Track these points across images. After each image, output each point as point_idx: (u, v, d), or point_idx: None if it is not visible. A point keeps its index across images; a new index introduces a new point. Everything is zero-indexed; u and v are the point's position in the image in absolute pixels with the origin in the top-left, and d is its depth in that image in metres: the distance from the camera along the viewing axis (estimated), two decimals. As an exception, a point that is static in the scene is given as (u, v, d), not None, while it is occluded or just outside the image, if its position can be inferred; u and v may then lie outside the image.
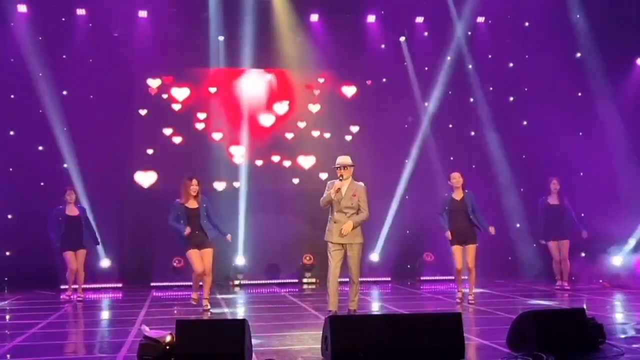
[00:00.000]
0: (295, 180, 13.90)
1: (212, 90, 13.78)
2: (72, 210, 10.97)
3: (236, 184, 13.64)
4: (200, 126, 13.71)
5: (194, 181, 9.61)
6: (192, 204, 9.57)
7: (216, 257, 12.99)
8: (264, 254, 13.53)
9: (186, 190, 9.58)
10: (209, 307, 9.57)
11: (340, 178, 8.38)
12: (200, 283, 9.74)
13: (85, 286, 12.33)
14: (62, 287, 11.76)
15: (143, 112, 13.46)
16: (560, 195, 11.67)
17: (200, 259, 9.51)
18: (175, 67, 13.55)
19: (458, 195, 9.91)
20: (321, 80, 14.04)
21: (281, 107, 14.03)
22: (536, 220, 12.06)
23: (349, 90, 14.09)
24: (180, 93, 13.66)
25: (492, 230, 9.87)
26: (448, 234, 9.87)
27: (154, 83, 13.50)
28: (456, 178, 9.94)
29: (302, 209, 13.48)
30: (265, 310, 9.83)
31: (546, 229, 11.67)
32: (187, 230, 9.41)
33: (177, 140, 13.59)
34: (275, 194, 13.74)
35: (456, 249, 9.86)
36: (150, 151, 13.47)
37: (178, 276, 12.77)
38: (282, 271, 13.70)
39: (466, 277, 10.11)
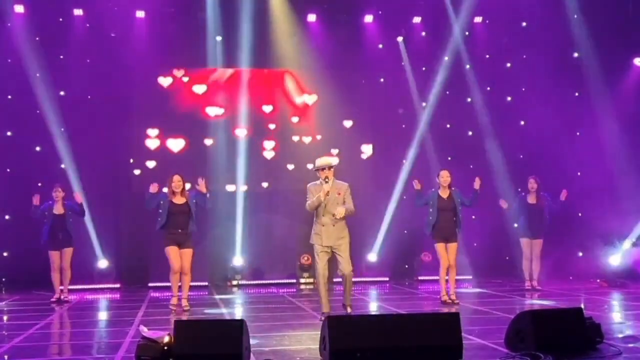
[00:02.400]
0: (293, 182, 13.93)
1: (209, 86, 13.79)
2: (58, 209, 10.88)
3: (233, 187, 13.63)
4: (199, 127, 13.71)
5: (176, 177, 9.59)
6: (179, 199, 9.55)
7: (214, 258, 13.14)
8: (262, 255, 13.53)
9: (169, 186, 9.61)
10: (188, 307, 9.58)
11: (326, 180, 8.33)
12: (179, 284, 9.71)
13: (83, 287, 12.36)
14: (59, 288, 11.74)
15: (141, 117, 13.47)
16: (538, 194, 11.64)
17: (179, 257, 9.47)
18: (174, 68, 13.56)
19: (445, 193, 9.92)
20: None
21: (278, 107, 14.04)
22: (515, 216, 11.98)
23: (346, 92, 14.06)
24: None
25: (477, 183, 10.04)
26: (416, 182, 9.98)
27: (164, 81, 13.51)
28: (445, 177, 9.94)
29: (299, 210, 13.46)
30: (263, 311, 9.83)
31: (523, 226, 11.63)
32: (154, 186, 9.53)
33: (176, 143, 13.60)
34: (273, 195, 13.75)
35: (441, 246, 9.86)
36: (144, 163, 13.46)
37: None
38: (280, 271, 13.70)
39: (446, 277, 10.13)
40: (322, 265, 8.32)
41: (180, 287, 9.68)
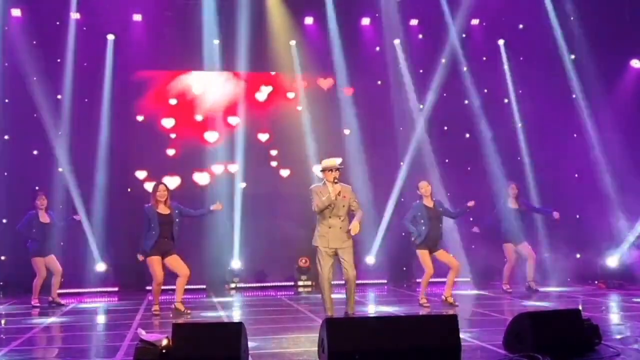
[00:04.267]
0: (290, 185, 13.95)
1: (205, 91, 13.82)
2: (44, 217, 10.90)
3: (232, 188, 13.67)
4: (195, 129, 13.72)
5: (161, 187, 9.56)
6: (164, 209, 9.50)
7: (212, 261, 13.11)
8: (260, 257, 13.53)
9: (154, 195, 9.56)
10: (189, 312, 9.53)
11: (335, 181, 8.33)
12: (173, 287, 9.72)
13: (81, 290, 12.35)
14: (57, 292, 11.72)
15: (140, 117, 13.47)
16: (518, 199, 11.71)
17: (161, 267, 9.43)
18: (171, 71, 13.57)
19: (429, 202, 9.98)
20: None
21: (276, 111, 14.05)
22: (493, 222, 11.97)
23: (344, 93, 14.05)
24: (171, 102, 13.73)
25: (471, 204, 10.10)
26: (416, 238, 9.92)
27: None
28: (425, 187, 10.00)
29: (297, 212, 13.47)
30: (261, 313, 9.83)
31: (507, 232, 11.64)
32: (141, 258, 9.48)
33: (173, 147, 13.61)
34: (271, 198, 13.74)
35: (425, 254, 9.88)
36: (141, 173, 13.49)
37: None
38: (278, 274, 13.70)
39: (443, 280, 10.23)
40: (327, 269, 8.28)
41: (175, 290, 9.71)
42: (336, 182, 8.31)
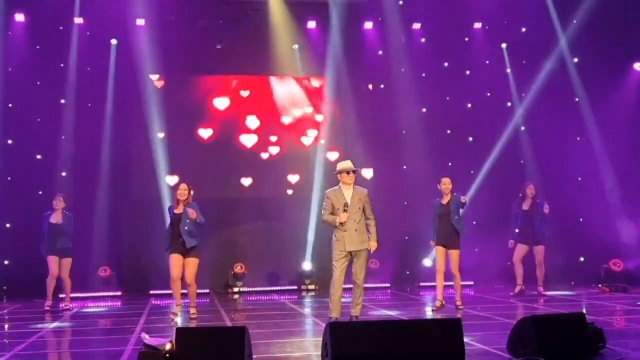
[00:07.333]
0: (290, 191, 13.93)
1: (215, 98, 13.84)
2: (56, 218, 10.93)
3: (235, 192, 13.67)
4: (201, 133, 13.73)
5: (182, 185, 9.45)
6: (180, 209, 9.43)
7: (215, 265, 13.11)
8: (263, 261, 13.52)
9: (174, 194, 9.57)
10: (195, 315, 9.49)
11: (344, 182, 8.34)
12: (185, 291, 9.64)
13: (84, 295, 12.36)
14: (61, 295, 11.72)
15: (143, 122, 13.47)
16: (534, 200, 11.60)
17: (179, 266, 9.27)
18: (173, 75, 13.58)
19: (445, 199, 9.99)
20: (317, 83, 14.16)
21: (278, 116, 14.06)
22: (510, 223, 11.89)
23: (346, 98, 14.05)
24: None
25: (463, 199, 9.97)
26: (432, 243, 10.04)
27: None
28: (446, 183, 9.99)
29: (300, 216, 13.47)
30: (264, 318, 9.82)
31: (520, 232, 11.61)
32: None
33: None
34: (274, 201, 13.74)
35: (440, 250, 9.91)
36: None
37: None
38: (281, 278, 13.70)
39: (452, 283, 10.18)
40: (339, 271, 8.31)
41: (186, 294, 9.64)
42: (345, 183, 8.35)
